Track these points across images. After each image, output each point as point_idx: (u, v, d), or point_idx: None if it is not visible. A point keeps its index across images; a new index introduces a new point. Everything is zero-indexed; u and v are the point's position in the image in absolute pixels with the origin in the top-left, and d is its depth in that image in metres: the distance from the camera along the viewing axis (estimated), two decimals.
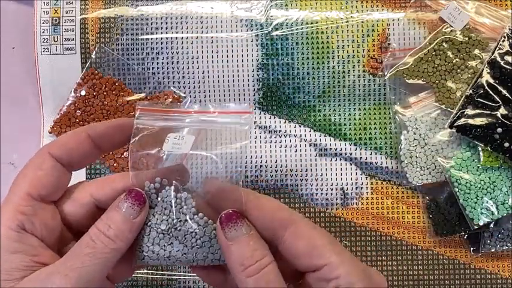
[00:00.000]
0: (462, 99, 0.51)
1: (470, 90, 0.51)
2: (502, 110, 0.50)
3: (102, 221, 0.37)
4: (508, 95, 0.50)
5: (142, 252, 0.38)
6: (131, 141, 0.39)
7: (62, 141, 0.40)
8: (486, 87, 0.51)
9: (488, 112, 0.51)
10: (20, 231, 0.37)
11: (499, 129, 0.50)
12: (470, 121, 0.51)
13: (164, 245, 0.38)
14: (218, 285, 0.41)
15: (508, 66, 0.51)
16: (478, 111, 0.51)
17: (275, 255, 0.38)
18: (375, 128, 0.55)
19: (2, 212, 0.37)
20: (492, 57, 0.51)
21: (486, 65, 0.51)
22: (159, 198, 0.39)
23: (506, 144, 0.50)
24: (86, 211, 0.39)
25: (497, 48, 0.51)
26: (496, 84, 0.51)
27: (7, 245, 0.36)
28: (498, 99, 0.50)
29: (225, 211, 0.38)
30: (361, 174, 0.55)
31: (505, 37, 0.51)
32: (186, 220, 0.38)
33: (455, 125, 0.51)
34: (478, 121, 0.51)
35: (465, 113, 0.51)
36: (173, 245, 0.38)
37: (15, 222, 0.37)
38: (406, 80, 0.53)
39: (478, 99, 0.51)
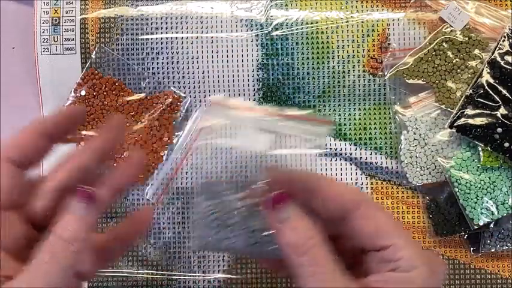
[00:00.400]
0: (462, 99, 0.51)
1: (470, 90, 0.51)
2: (502, 110, 0.50)
3: (58, 224, 0.36)
4: (508, 94, 0.50)
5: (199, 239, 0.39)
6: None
7: (15, 142, 0.39)
8: (486, 87, 0.51)
9: (488, 112, 0.51)
10: None
11: (499, 129, 0.50)
12: (470, 121, 0.51)
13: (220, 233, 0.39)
14: (274, 267, 0.42)
15: (508, 66, 0.51)
16: (478, 111, 0.51)
17: (337, 234, 0.39)
18: (375, 128, 0.55)
19: None
20: (492, 57, 0.51)
21: (486, 65, 0.51)
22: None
23: (506, 144, 0.50)
24: (51, 202, 0.38)
25: (497, 48, 0.51)
26: (496, 84, 0.51)
27: None
28: (498, 99, 0.50)
29: (273, 193, 0.38)
30: (361, 174, 0.55)
31: (505, 37, 0.51)
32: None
33: (455, 125, 0.51)
34: (478, 121, 0.51)
35: (465, 113, 0.51)
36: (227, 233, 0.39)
37: None
38: (406, 80, 0.53)
39: (478, 99, 0.51)
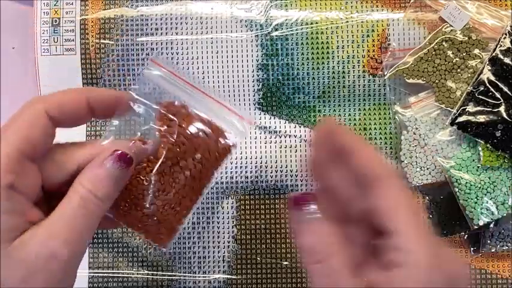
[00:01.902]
0: (463, 96, 0.51)
1: (471, 87, 0.51)
2: (503, 107, 0.50)
3: (89, 180, 0.37)
4: (509, 92, 0.50)
5: None
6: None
7: (59, 99, 0.39)
8: (487, 85, 0.51)
9: (489, 109, 0.51)
10: (10, 191, 0.35)
11: (500, 126, 0.50)
12: (471, 118, 0.51)
13: None
14: None
15: (509, 62, 0.51)
16: (479, 108, 0.51)
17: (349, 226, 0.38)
18: (375, 128, 0.55)
19: None
20: (493, 54, 0.51)
21: (487, 62, 0.51)
22: None
23: (507, 142, 0.50)
24: (67, 175, 0.38)
25: (499, 46, 0.51)
26: (497, 82, 0.51)
27: None
28: (499, 97, 0.51)
29: (297, 193, 0.38)
30: None
31: (506, 34, 0.51)
32: None
33: (456, 122, 0.51)
34: (479, 118, 0.51)
35: (466, 110, 0.51)
36: None
37: (5, 181, 0.35)
38: (406, 80, 0.53)
39: (479, 96, 0.51)
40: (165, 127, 0.39)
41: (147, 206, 0.39)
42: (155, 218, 0.40)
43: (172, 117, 0.39)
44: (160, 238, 0.40)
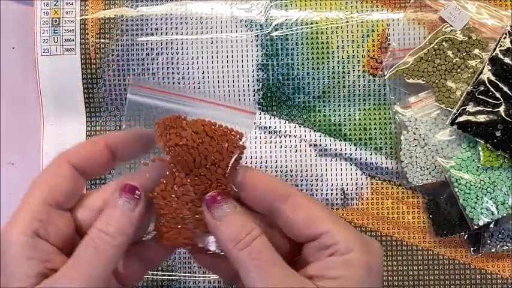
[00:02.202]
0: (463, 96, 0.51)
1: (472, 87, 0.51)
2: (503, 107, 0.50)
3: (100, 220, 0.37)
4: (509, 92, 0.50)
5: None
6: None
7: (80, 149, 0.40)
8: (487, 84, 0.51)
9: (490, 109, 0.51)
10: (34, 237, 0.37)
11: (500, 126, 0.50)
12: (472, 118, 0.51)
13: None
14: (210, 267, 0.43)
15: (509, 62, 0.51)
16: (479, 108, 0.51)
17: (273, 231, 0.40)
18: (375, 128, 0.55)
19: (17, 217, 0.37)
20: (493, 54, 0.51)
21: (487, 62, 0.51)
22: None
23: (507, 142, 0.50)
24: (97, 216, 0.39)
25: (499, 46, 0.51)
26: (497, 82, 0.51)
27: (21, 251, 0.36)
28: (499, 96, 0.51)
29: (209, 193, 0.38)
30: (361, 175, 0.55)
31: (506, 34, 0.51)
32: None
33: (456, 122, 0.51)
34: (479, 118, 0.51)
35: (466, 110, 0.51)
36: None
37: (30, 228, 0.37)
38: (406, 80, 0.53)
39: (479, 96, 0.51)
40: (168, 141, 0.39)
41: (186, 218, 0.40)
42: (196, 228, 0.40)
43: (172, 130, 0.39)
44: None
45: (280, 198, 0.39)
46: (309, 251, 0.39)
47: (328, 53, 0.54)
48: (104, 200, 0.39)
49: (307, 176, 0.55)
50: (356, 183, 0.55)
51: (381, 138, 0.55)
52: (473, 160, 0.52)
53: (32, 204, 0.38)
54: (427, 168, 0.53)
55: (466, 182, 0.52)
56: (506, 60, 0.51)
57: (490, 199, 0.51)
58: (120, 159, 0.41)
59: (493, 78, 0.51)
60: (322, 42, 0.54)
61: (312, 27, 0.54)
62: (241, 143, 0.39)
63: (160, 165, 0.40)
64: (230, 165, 0.39)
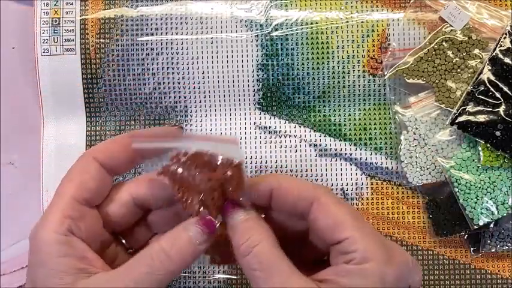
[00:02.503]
0: (463, 96, 0.51)
1: (471, 87, 0.51)
2: (503, 107, 0.50)
3: (167, 238, 0.38)
4: (509, 92, 0.50)
5: None
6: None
7: (106, 146, 0.41)
8: (487, 84, 0.51)
9: (490, 109, 0.51)
10: (68, 235, 0.37)
11: (500, 126, 0.50)
12: (471, 118, 0.51)
13: None
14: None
15: (509, 62, 0.51)
16: (479, 108, 0.51)
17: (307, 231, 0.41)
18: (375, 128, 0.55)
19: (48, 216, 0.38)
20: (493, 54, 0.51)
21: (487, 62, 0.51)
22: None
23: (507, 142, 0.50)
24: (126, 211, 0.40)
25: (499, 46, 0.51)
26: (497, 81, 0.51)
27: (56, 249, 0.37)
28: (499, 96, 0.51)
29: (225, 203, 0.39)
30: (361, 175, 0.55)
31: (506, 34, 0.51)
32: None
33: (456, 121, 0.51)
34: (479, 118, 0.51)
35: (466, 110, 0.51)
36: None
37: (63, 226, 0.37)
38: (406, 80, 0.53)
39: (479, 96, 0.51)
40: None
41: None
42: None
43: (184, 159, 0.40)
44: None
45: (308, 201, 0.39)
46: (333, 253, 0.39)
47: (328, 53, 0.54)
48: (129, 196, 0.40)
49: (307, 176, 0.55)
50: (356, 183, 0.55)
51: (380, 138, 0.55)
52: (473, 160, 0.52)
53: (62, 203, 0.38)
54: (427, 168, 0.53)
55: (466, 182, 0.52)
56: (506, 60, 0.51)
57: (490, 199, 0.51)
58: (146, 156, 0.42)
59: (493, 78, 0.51)
60: (322, 42, 0.54)
61: (312, 27, 0.54)
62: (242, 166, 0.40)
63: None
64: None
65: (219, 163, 0.39)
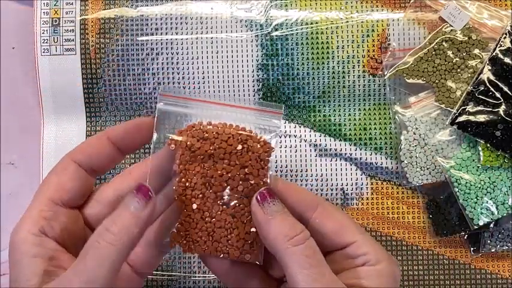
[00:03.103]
0: (463, 96, 0.51)
1: (472, 87, 0.51)
2: (503, 107, 0.50)
3: (108, 218, 0.37)
4: (509, 92, 0.50)
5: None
6: (154, 127, 0.40)
7: (83, 146, 0.41)
8: (487, 84, 0.51)
9: (490, 109, 0.51)
10: (40, 236, 0.37)
11: (500, 126, 0.50)
12: (472, 118, 0.51)
13: None
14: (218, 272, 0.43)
15: (509, 62, 0.51)
16: (479, 108, 0.51)
17: None
18: (375, 128, 0.55)
19: (25, 216, 0.38)
20: (493, 54, 0.51)
21: (487, 62, 0.51)
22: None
23: (507, 142, 0.50)
24: (112, 210, 0.39)
25: (498, 46, 0.51)
26: (497, 81, 0.51)
27: (27, 250, 0.37)
28: (499, 96, 0.50)
29: (261, 189, 0.39)
30: (361, 175, 0.55)
31: (506, 34, 0.51)
32: None
33: (456, 121, 0.51)
34: (479, 118, 0.51)
35: (466, 110, 0.51)
36: None
37: (37, 226, 0.37)
38: (406, 80, 0.53)
39: (479, 96, 0.51)
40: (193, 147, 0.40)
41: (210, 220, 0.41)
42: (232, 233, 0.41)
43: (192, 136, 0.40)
44: (252, 251, 0.41)
45: (310, 207, 0.40)
46: (337, 258, 0.40)
47: (328, 53, 0.54)
48: (113, 193, 0.40)
49: (307, 176, 0.55)
50: (356, 183, 0.55)
51: (380, 138, 0.55)
52: (473, 160, 0.52)
53: (39, 204, 0.38)
54: (427, 168, 0.53)
55: (466, 182, 0.52)
56: (506, 60, 0.51)
57: (490, 199, 0.51)
58: (124, 151, 0.42)
59: (493, 78, 0.51)
60: (322, 42, 0.54)
61: (312, 27, 0.54)
62: (271, 148, 0.40)
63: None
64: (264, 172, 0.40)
65: (241, 148, 0.40)
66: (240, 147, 0.40)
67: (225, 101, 0.41)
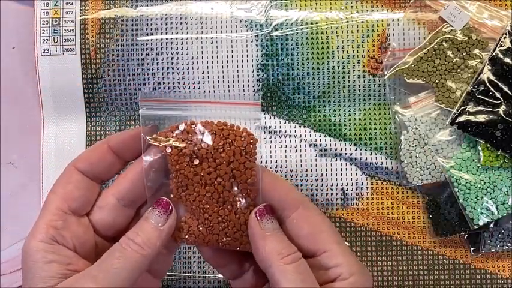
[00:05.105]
0: (463, 96, 0.51)
1: (472, 87, 0.51)
2: (503, 107, 0.50)
3: (132, 230, 0.39)
4: (509, 92, 0.50)
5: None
6: (141, 131, 0.41)
7: (85, 155, 0.42)
8: (487, 84, 0.51)
9: (490, 109, 0.51)
10: (52, 243, 0.38)
11: (500, 126, 0.50)
12: (472, 118, 0.51)
13: None
14: (232, 277, 0.44)
15: (509, 62, 0.51)
16: (479, 108, 0.51)
17: None
18: (375, 128, 0.55)
19: (35, 227, 0.39)
20: (493, 54, 0.51)
21: (487, 62, 0.51)
22: None
23: (507, 142, 0.50)
24: (115, 214, 0.41)
25: (498, 46, 0.51)
26: (497, 81, 0.51)
27: (42, 256, 0.38)
28: (499, 96, 0.50)
29: (262, 204, 0.40)
30: (361, 175, 0.55)
31: (506, 34, 0.51)
32: None
33: (456, 121, 0.51)
34: (479, 118, 0.51)
35: (466, 110, 0.51)
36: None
37: (48, 236, 0.38)
38: (406, 80, 0.53)
39: (479, 96, 0.51)
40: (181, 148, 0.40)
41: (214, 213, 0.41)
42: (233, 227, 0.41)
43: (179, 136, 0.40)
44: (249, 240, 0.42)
45: (291, 206, 0.40)
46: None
47: (328, 53, 0.54)
48: (113, 197, 0.41)
49: (307, 176, 0.55)
50: (356, 183, 0.55)
51: (380, 138, 0.55)
52: (473, 160, 0.52)
53: (47, 214, 0.39)
54: (427, 168, 0.53)
55: (466, 182, 0.52)
56: (506, 60, 0.51)
57: (490, 199, 0.51)
58: (125, 159, 0.42)
59: (493, 78, 0.51)
60: (322, 42, 0.54)
61: (312, 27, 0.54)
62: (252, 135, 0.41)
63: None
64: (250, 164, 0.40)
65: (222, 143, 0.40)
66: (222, 143, 0.40)
67: (205, 98, 0.42)
